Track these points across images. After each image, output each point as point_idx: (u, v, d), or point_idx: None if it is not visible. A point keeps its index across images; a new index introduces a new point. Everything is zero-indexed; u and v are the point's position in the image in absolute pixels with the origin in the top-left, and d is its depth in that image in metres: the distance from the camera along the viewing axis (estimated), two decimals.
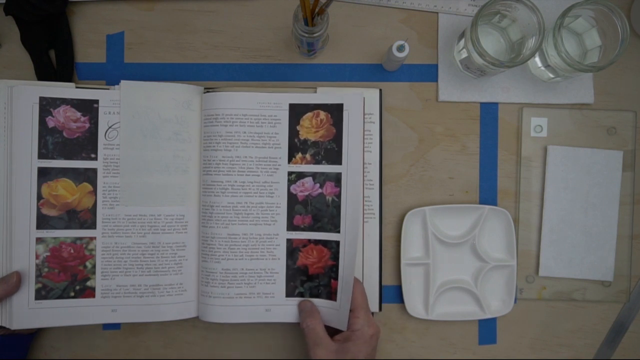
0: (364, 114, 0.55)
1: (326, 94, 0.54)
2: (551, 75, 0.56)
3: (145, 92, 0.52)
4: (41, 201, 0.51)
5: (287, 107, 0.53)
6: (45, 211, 0.51)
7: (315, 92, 0.55)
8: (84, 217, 0.52)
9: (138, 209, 0.52)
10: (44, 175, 0.51)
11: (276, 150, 0.53)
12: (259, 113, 0.53)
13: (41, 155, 0.51)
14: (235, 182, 0.52)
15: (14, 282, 0.49)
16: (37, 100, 0.51)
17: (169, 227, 0.53)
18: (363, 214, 0.55)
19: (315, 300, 0.53)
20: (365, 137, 0.55)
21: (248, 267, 0.52)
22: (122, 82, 0.52)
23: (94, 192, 0.52)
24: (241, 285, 0.52)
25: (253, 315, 0.53)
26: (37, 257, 0.51)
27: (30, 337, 0.54)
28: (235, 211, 0.52)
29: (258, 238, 0.53)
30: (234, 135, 0.52)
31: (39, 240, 0.51)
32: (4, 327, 0.51)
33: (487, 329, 0.58)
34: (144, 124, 0.52)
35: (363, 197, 0.54)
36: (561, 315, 0.58)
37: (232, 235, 0.52)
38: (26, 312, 0.50)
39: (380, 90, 0.56)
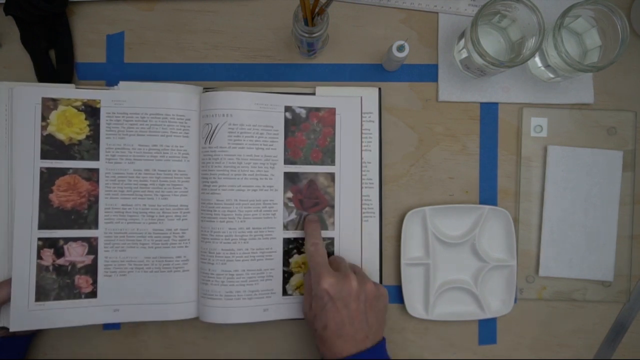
0: (362, 114, 0.55)
1: (320, 98, 0.55)
2: (551, 75, 0.56)
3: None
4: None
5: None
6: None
7: (314, 92, 0.55)
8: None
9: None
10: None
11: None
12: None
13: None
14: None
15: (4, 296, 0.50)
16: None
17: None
18: (362, 212, 0.55)
19: None
20: (365, 136, 0.55)
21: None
22: (121, 82, 0.53)
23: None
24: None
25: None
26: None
27: (28, 339, 0.53)
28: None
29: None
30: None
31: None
32: (3, 328, 0.51)
33: (487, 329, 0.58)
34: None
35: (361, 195, 0.55)
36: (561, 315, 0.58)
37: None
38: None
39: (380, 89, 0.56)
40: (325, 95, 0.55)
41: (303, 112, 0.54)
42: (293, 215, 0.54)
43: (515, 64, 0.50)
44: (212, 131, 0.52)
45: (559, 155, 0.57)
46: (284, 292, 0.54)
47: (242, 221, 0.52)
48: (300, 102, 0.54)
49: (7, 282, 0.50)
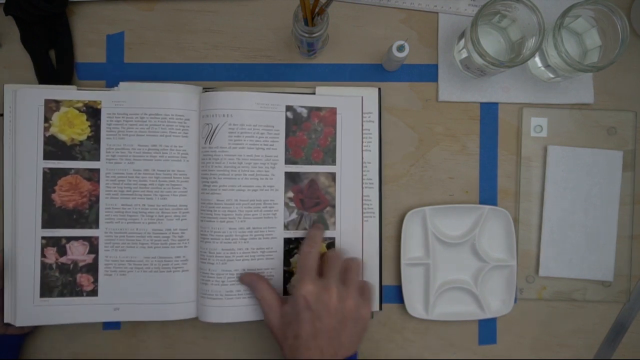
0: (363, 114, 0.55)
1: (321, 97, 0.55)
2: (551, 75, 0.56)
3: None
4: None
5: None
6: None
7: (314, 92, 0.55)
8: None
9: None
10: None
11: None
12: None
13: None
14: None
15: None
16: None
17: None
18: (362, 212, 0.55)
19: None
20: (365, 136, 0.55)
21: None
22: (121, 83, 0.53)
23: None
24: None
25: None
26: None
27: (22, 338, 0.54)
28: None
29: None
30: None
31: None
32: (7, 325, 0.52)
33: (487, 329, 0.58)
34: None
35: (362, 196, 0.55)
36: (561, 315, 0.58)
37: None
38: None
39: (379, 89, 0.56)
40: (326, 95, 0.55)
41: (304, 112, 0.54)
42: (294, 215, 0.54)
43: (515, 64, 0.50)
44: (212, 131, 0.52)
45: (559, 155, 0.57)
46: (285, 292, 0.54)
47: (243, 221, 0.52)
48: (301, 102, 0.54)
49: None
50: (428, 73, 0.58)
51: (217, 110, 0.52)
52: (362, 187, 0.55)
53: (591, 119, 0.58)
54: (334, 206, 0.55)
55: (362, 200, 0.55)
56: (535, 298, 0.58)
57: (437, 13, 0.58)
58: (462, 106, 0.58)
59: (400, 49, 0.51)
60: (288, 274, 0.54)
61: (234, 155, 0.52)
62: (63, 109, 0.52)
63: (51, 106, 0.52)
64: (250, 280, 0.51)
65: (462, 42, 0.53)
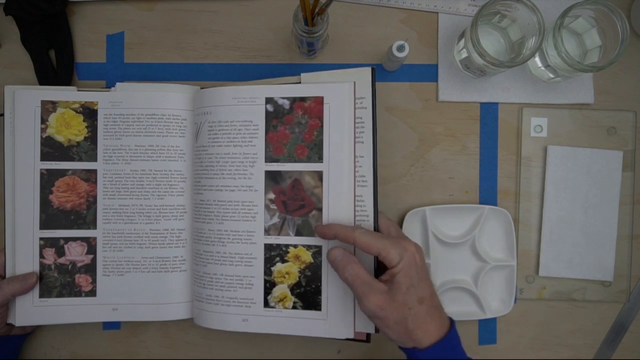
0: (355, 101, 0.49)
1: (306, 86, 0.49)
2: (551, 75, 0.56)
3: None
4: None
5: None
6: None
7: (299, 81, 0.50)
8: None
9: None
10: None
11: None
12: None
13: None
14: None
15: (32, 282, 0.50)
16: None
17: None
18: (355, 216, 0.48)
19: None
20: (356, 125, 0.49)
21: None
22: (118, 84, 0.53)
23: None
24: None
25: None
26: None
27: (22, 338, 0.54)
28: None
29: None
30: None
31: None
32: (10, 325, 0.52)
33: (487, 329, 0.58)
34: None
35: (354, 197, 0.48)
36: (561, 315, 0.58)
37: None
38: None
39: (373, 68, 0.48)
40: (312, 83, 0.49)
41: (286, 104, 0.49)
42: (275, 219, 0.49)
43: (515, 64, 0.50)
44: (197, 130, 0.52)
45: (558, 155, 0.57)
46: (266, 304, 0.49)
47: (220, 223, 0.50)
48: (283, 93, 0.49)
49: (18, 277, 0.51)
50: (428, 73, 0.58)
51: (200, 109, 0.52)
52: (355, 187, 0.48)
53: (591, 119, 0.58)
54: (320, 209, 0.49)
55: (355, 202, 0.49)
56: (535, 298, 0.58)
57: (437, 13, 0.58)
58: (462, 106, 0.58)
59: (400, 49, 0.51)
60: (269, 284, 0.49)
61: (212, 153, 0.50)
62: (60, 110, 0.52)
63: (48, 107, 0.52)
64: (335, 256, 0.45)
65: (462, 42, 0.53)
